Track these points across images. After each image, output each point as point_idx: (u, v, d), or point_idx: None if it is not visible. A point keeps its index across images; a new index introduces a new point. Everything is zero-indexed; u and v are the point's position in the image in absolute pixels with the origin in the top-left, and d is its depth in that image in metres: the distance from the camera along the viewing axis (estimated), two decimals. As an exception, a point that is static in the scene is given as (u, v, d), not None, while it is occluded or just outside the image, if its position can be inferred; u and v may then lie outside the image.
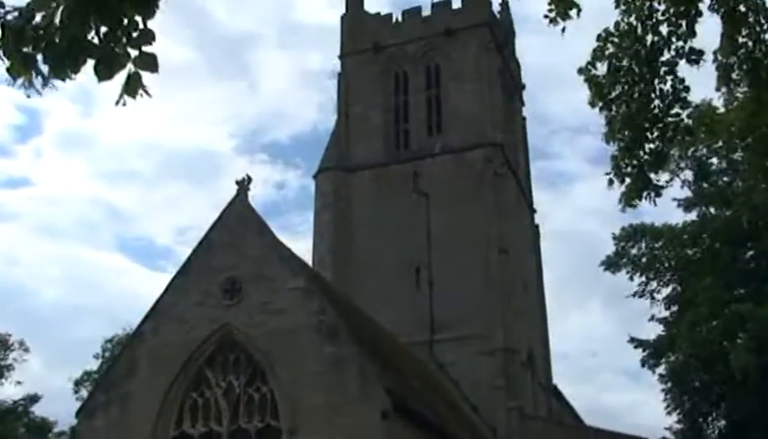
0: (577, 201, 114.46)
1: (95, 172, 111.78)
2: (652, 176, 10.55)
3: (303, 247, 50.96)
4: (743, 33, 10.22)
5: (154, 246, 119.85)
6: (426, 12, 44.25)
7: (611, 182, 10.53)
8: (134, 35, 3.50)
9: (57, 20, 3.35)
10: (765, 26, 10.27)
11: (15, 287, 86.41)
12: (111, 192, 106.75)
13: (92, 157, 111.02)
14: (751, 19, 10.22)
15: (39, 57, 3.43)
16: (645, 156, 10.37)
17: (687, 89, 10.31)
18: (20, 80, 3.49)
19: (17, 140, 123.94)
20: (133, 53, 3.54)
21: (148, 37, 3.55)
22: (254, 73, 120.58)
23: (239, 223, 25.11)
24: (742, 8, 10.19)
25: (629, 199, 10.62)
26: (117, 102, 3.60)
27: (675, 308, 33.85)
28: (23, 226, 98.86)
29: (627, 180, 10.43)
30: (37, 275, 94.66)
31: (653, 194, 10.64)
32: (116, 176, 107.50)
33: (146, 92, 3.61)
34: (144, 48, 3.54)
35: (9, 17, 3.37)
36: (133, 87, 3.55)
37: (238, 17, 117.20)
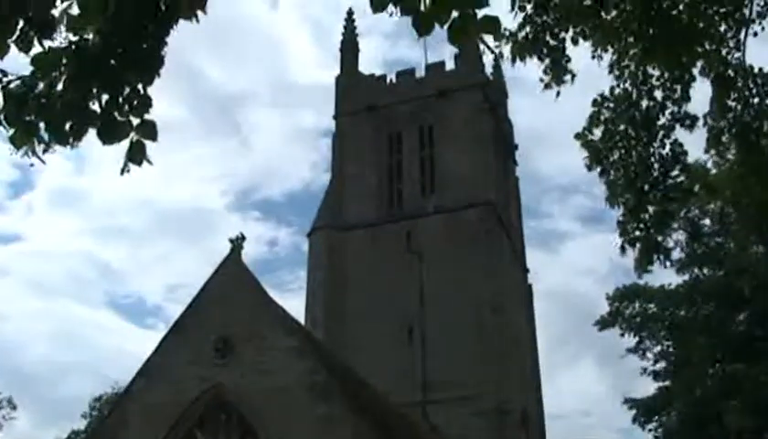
0: (568, 260, 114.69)
1: (87, 228, 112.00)
2: (659, 238, 10.63)
3: (294, 304, 50.89)
4: (732, 97, 10.40)
5: (144, 303, 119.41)
6: (420, 73, 44.84)
7: (623, 249, 10.58)
8: (135, 103, 3.54)
9: (59, 88, 3.39)
10: (754, 90, 10.44)
11: (3, 343, 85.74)
12: (102, 248, 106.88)
13: (84, 214, 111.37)
14: (739, 83, 10.40)
15: (42, 124, 3.46)
16: (650, 219, 10.44)
17: (685, 152, 10.44)
18: (23, 149, 3.52)
19: (10, 195, 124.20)
20: (135, 121, 3.58)
21: (147, 104, 3.59)
22: (247, 131, 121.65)
23: (232, 282, 25.05)
24: (731, 72, 10.38)
25: (644, 265, 10.66)
26: (122, 171, 3.62)
27: (669, 366, 33.75)
28: (13, 281, 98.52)
29: (638, 245, 10.48)
30: (26, 331, 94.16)
31: (662, 256, 10.71)
32: (108, 233, 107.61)
33: (148, 161, 3.64)
34: (145, 116, 3.58)
35: (12, 86, 3.41)
36: (136, 155, 3.59)
37: (231, 76, 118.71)
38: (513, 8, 9.73)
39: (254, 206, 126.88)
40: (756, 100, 10.42)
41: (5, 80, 3.44)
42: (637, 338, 34.20)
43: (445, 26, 3.34)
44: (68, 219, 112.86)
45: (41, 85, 3.40)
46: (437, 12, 3.31)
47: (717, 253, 31.67)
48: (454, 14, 3.30)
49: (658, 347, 34.38)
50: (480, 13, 3.33)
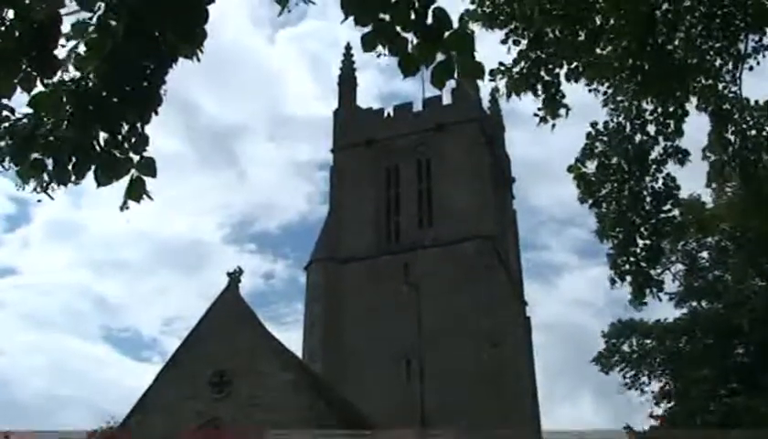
0: (566, 293, 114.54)
1: (83, 261, 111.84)
2: (651, 271, 10.59)
3: (290, 337, 50.67)
4: (730, 130, 10.43)
5: (140, 337, 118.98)
6: (417, 107, 45.03)
7: (613, 282, 10.55)
8: (134, 140, 3.54)
9: (64, 126, 3.40)
10: (751, 123, 10.48)
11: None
12: (98, 282, 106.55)
13: (81, 247, 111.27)
14: (736, 116, 10.44)
15: (49, 160, 3.47)
16: (641, 253, 10.41)
17: (678, 187, 10.45)
18: (32, 184, 3.52)
19: (6, 229, 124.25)
20: (135, 158, 3.58)
21: (145, 141, 3.59)
22: (244, 164, 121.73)
23: (229, 315, 24.97)
24: (728, 106, 10.42)
25: (639, 299, 10.62)
26: (122, 208, 3.61)
27: (668, 403, 33.45)
28: (8, 315, 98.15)
29: (628, 278, 10.44)
30: (22, 365, 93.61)
31: (655, 289, 10.66)
32: (104, 266, 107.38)
33: (149, 196, 3.63)
34: (143, 153, 3.58)
35: (18, 124, 3.41)
36: (136, 192, 3.58)
37: (228, 109, 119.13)
38: (506, 42, 9.79)
39: (251, 238, 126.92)
40: (753, 132, 10.46)
41: (12, 118, 3.46)
42: (633, 372, 33.91)
43: (430, 68, 3.32)
44: (64, 252, 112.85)
45: (45, 123, 3.41)
46: (423, 55, 3.29)
47: (715, 286, 31.58)
48: (440, 57, 3.28)
49: (657, 384, 34.07)
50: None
